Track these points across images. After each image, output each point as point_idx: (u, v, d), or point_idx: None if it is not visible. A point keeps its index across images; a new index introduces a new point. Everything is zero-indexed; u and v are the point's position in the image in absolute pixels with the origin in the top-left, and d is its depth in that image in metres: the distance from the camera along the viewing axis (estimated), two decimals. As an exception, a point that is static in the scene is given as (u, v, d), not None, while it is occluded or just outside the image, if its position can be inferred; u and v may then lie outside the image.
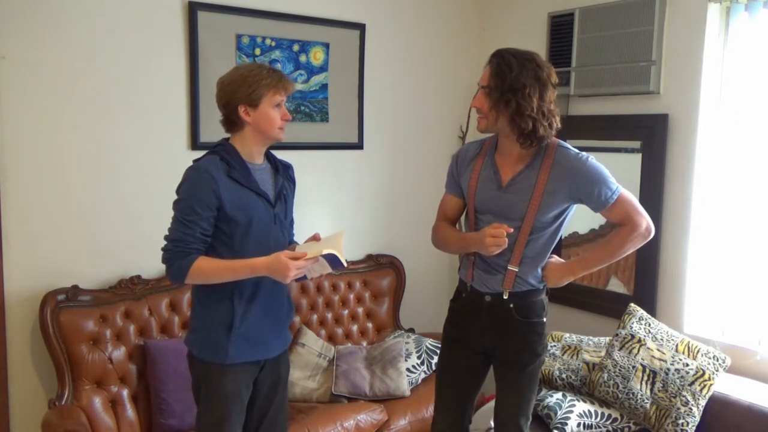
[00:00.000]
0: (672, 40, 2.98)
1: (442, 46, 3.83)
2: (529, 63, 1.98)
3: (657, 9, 2.95)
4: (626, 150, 3.16)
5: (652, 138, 3.04)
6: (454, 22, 3.86)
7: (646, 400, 2.59)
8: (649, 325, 2.78)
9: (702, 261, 2.99)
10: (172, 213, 2.00)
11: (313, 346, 3.22)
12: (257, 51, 3.15)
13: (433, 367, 3.22)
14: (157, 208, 2.68)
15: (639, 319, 2.80)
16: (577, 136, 3.19)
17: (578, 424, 2.56)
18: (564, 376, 2.82)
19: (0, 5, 2.52)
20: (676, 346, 2.68)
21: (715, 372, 2.60)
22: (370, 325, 3.55)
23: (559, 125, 2.05)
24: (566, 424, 2.54)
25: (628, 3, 3.06)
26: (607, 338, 2.89)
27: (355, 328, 3.49)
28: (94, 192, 2.78)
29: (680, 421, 2.51)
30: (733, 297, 2.92)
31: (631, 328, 2.76)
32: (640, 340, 2.71)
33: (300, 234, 2.33)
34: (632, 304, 2.89)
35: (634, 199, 2.08)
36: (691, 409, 2.53)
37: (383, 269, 3.63)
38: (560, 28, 3.36)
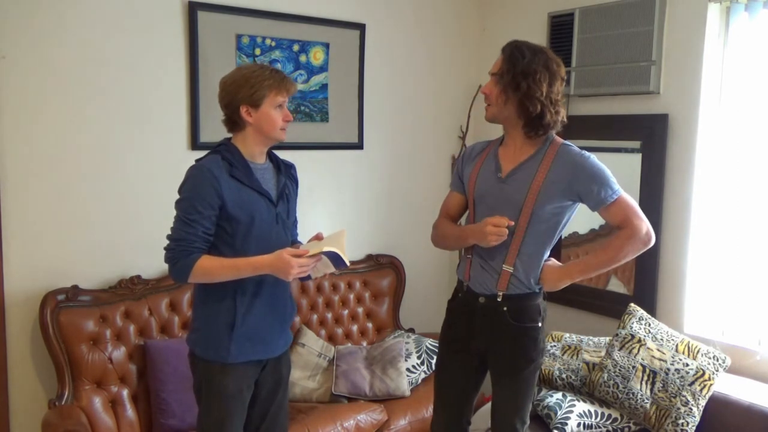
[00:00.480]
0: (672, 40, 2.98)
1: (442, 46, 3.83)
2: (541, 53, 2.04)
3: (657, 9, 2.95)
4: (626, 150, 3.16)
5: (652, 138, 3.05)
6: (454, 22, 3.86)
7: (646, 400, 2.59)
8: (649, 325, 2.78)
9: (702, 261, 2.99)
10: (172, 213, 2.00)
11: (313, 346, 3.22)
12: (257, 51, 3.15)
13: (433, 367, 3.21)
14: (157, 208, 2.69)
15: (639, 319, 2.80)
16: (577, 136, 3.16)
17: (578, 424, 2.56)
18: (564, 376, 2.82)
19: (0, 5, 2.52)
20: (676, 346, 2.68)
21: (715, 372, 2.60)
22: (370, 325, 3.55)
23: (565, 120, 2.07)
24: (566, 424, 2.54)
25: (628, 3, 3.06)
26: (607, 338, 2.89)
27: (355, 328, 3.49)
28: (94, 192, 2.78)
29: (680, 421, 2.51)
30: (733, 297, 2.92)
31: (631, 328, 2.76)
32: (640, 340, 2.71)
33: (301, 234, 2.33)
34: (632, 304, 2.89)
35: (634, 204, 2.06)
36: (691, 409, 2.53)
37: (383, 269, 3.63)
38: (560, 28, 3.36)
